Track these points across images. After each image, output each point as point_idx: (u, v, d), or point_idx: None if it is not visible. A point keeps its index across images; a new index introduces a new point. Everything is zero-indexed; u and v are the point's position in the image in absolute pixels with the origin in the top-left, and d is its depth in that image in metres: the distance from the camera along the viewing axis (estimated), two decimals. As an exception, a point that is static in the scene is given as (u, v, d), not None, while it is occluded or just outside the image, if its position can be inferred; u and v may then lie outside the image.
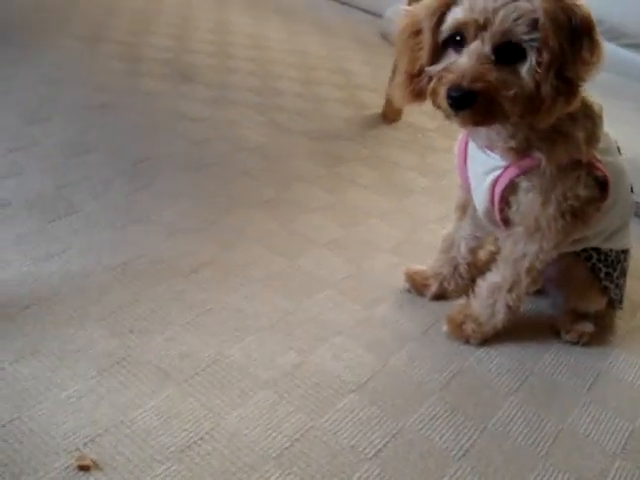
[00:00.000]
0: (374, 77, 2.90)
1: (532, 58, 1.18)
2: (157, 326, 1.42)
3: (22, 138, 1.98)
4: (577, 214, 1.38)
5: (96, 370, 1.30)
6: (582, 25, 1.19)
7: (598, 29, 1.21)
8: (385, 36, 3.41)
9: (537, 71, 1.18)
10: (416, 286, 1.66)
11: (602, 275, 1.56)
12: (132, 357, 1.34)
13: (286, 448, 1.22)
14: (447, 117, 1.26)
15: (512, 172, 1.37)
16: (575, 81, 1.20)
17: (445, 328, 1.55)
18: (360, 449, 1.24)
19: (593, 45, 1.20)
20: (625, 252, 1.59)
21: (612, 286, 1.57)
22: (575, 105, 1.24)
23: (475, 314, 1.54)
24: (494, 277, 1.52)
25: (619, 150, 1.48)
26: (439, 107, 1.25)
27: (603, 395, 1.48)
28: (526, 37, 1.17)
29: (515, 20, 1.17)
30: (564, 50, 1.18)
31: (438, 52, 1.26)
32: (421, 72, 1.28)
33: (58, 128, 2.06)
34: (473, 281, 1.59)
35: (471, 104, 1.19)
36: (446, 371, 1.45)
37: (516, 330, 1.58)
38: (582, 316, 1.63)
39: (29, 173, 1.83)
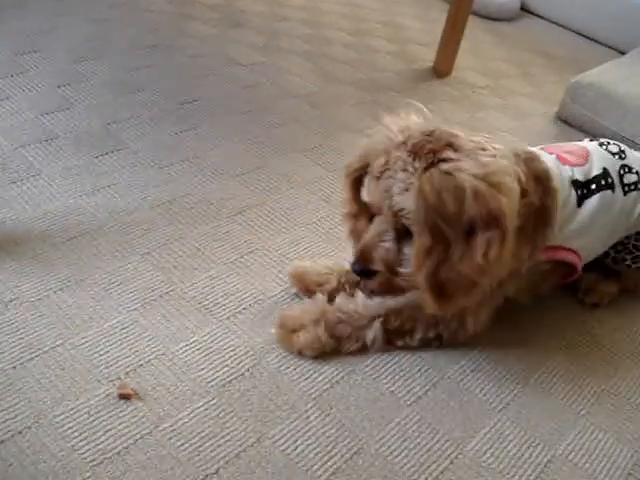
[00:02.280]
0: (426, 32, 2.84)
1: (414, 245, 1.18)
2: (201, 264, 1.42)
3: (71, 75, 1.98)
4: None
5: (140, 303, 1.30)
6: (479, 221, 1.11)
7: (504, 228, 1.11)
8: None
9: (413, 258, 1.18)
10: None
11: (629, 262, 1.53)
12: (175, 292, 1.34)
13: (326, 390, 1.21)
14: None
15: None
16: (464, 276, 1.14)
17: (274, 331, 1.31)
18: (400, 395, 1.24)
19: (488, 244, 1.12)
20: None
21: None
22: (474, 298, 1.22)
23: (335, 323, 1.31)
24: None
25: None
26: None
27: (648, 359, 1.46)
28: (413, 227, 1.18)
29: (400, 210, 1.18)
30: (449, 243, 1.13)
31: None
32: (358, 215, 1.33)
33: (107, 67, 2.06)
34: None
35: (370, 277, 1.26)
36: (492, 325, 1.42)
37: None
38: (607, 275, 1.57)
39: (77, 109, 1.83)
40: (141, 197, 1.56)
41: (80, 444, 1.05)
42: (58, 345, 1.19)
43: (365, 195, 1.29)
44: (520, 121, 2.33)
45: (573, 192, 1.36)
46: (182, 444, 1.08)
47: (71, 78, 1.96)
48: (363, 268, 1.26)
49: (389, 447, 1.14)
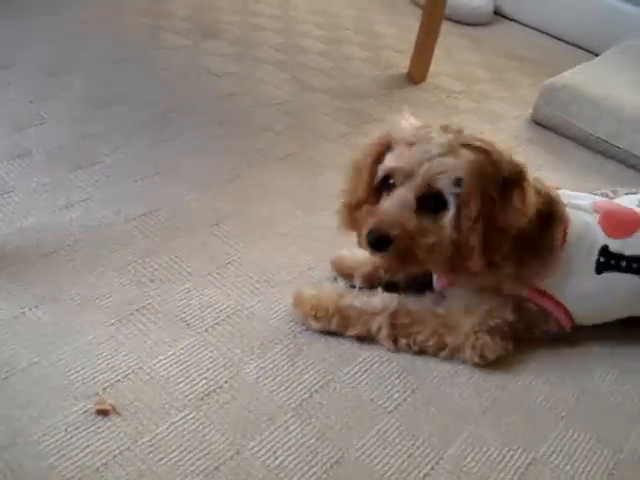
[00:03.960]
0: (400, 38, 2.85)
1: (454, 209, 1.22)
2: (178, 276, 1.41)
3: (43, 90, 1.97)
4: (508, 335, 1.37)
5: (116, 318, 1.29)
6: (511, 177, 1.23)
7: (528, 180, 1.25)
8: (411, -2, 3.36)
9: (462, 222, 1.22)
10: None
11: None
12: (152, 306, 1.33)
13: (305, 399, 1.21)
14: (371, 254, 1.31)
15: (441, 282, 1.41)
16: (507, 229, 1.22)
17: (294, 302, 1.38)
18: (380, 402, 1.24)
19: (523, 194, 1.23)
20: None
21: None
22: (501, 252, 1.25)
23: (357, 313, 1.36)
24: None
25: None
26: (362, 245, 1.29)
27: (626, 360, 1.46)
28: (449, 190, 1.21)
29: (438, 174, 1.21)
30: (493, 202, 1.21)
31: (375, 190, 1.31)
32: (359, 205, 1.31)
33: (80, 81, 2.05)
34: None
35: (386, 248, 1.23)
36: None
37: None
38: None
39: (50, 124, 1.82)
40: (116, 211, 1.56)
41: (58, 462, 1.04)
42: (34, 363, 1.18)
43: (391, 162, 1.26)
44: (495, 124, 2.34)
45: (595, 255, 1.36)
46: (161, 458, 1.07)
47: (44, 93, 1.95)
48: (379, 236, 1.23)
49: (370, 455, 1.14)
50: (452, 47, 2.92)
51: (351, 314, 1.34)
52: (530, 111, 2.44)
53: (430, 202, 1.23)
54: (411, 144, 1.24)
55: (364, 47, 2.72)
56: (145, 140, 1.82)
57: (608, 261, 1.37)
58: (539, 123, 2.41)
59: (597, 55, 2.80)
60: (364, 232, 1.25)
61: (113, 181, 1.65)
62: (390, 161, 1.27)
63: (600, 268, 1.37)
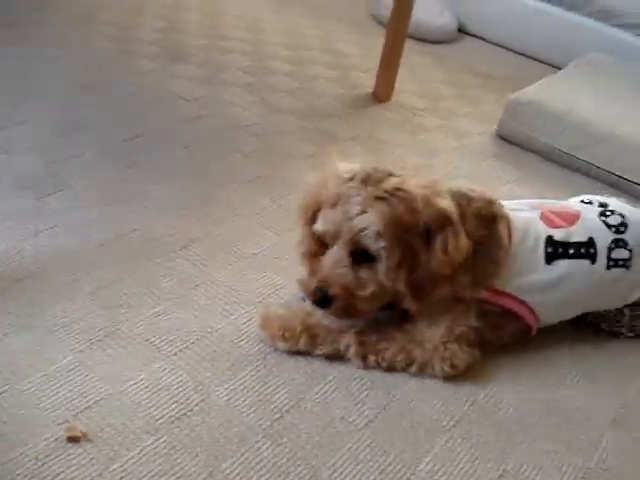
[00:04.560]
0: (365, 57, 2.88)
1: (383, 261, 1.27)
2: (147, 300, 1.42)
3: (9, 117, 1.97)
4: (474, 342, 1.39)
5: (86, 343, 1.29)
6: (433, 224, 1.26)
7: (454, 224, 1.26)
8: (376, 17, 3.39)
9: (387, 272, 1.27)
10: None
11: (604, 327, 1.57)
12: (121, 331, 1.33)
13: (276, 420, 1.22)
14: None
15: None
16: (435, 274, 1.27)
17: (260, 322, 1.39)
18: (351, 420, 1.25)
19: (446, 240, 1.25)
20: (630, 305, 1.54)
21: (624, 330, 1.57)
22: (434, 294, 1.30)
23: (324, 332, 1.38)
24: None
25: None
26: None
27: (594, 368, 1.49)
28: (373, 244, 1.26)
29: (360, 231, 1.26)
30: (415, 250, 1.26)
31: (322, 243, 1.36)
32: (314, 255, 1.38)
33: (47, 107, 2.05)
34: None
35: (329, 306, 1.30)
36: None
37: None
38: None
39: (17, 151, 1.82)
40: (85, 236, 1.56)
41: (29, 491, 1.04)
42: (4, 391, 1.18)
43: (320, 226, 1.32)
44: (460, 141, 2.37)
45: (541, 247, 1.41)
46: (133, 484, 1.07)
47: (10, 120, 1.95)
48: (322, 297, 1.30)
49: (341, 473, 1.15)
50: (416, 65, 2.96)
51: (319, 333, 1.35)
52: (495, 127, 2.48)
53: (363, 254, 1.29)
54: (333, 205, 1.29)
55: (329, 66, 2.75)
56: (113, 165, 1.83)
57: (556, 250, 1.42)
58: (504, 138, 2.45)
59: (560, 69, 2.85)
60: (310, 290, 1.33)
61: (82, 207, 1.65)
62: (319, 224, 1.33)
63: (550, 258, 1.41)
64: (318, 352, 1.35)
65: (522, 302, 1.40)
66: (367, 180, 1.28)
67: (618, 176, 2.24)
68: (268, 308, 1.41)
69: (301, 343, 1.34)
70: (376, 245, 1.26)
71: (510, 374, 1.42)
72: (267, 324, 1.37)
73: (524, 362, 1.46)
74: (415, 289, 1.28)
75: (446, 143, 2.34)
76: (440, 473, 1.19)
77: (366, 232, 1.26)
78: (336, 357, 1.36)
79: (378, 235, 1.25)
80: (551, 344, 1.52)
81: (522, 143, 2.40)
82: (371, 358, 1.35)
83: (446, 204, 1.27)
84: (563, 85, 2.57)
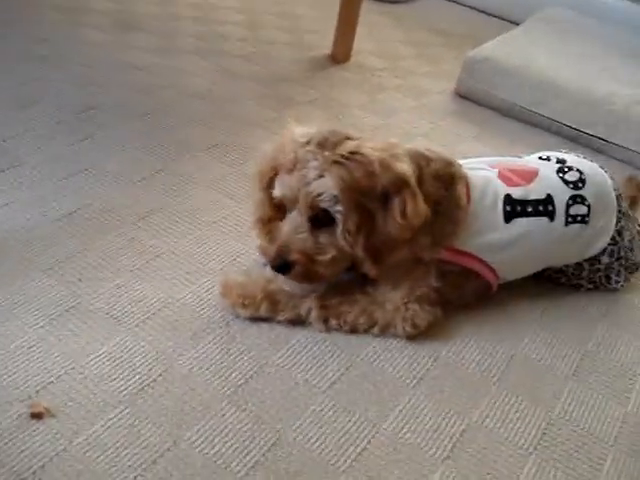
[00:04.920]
0: (321, 20, 2.85)
1: (341, 225, 1.27)
2: (107, 274, 1.41)
3: (-40, 93, 1.93)
4: (435, 301, 1.40)
5: (45, 320, 1.28)
6: (390, 188, 1.25)
7: (412, 187, 1.26)
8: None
9: (347, 237, 1.27)
10: None
11: (563, 280, 1.58)
12: (82, 305, 1.33)
13: (240, 386, 1.22)
14: None
15: None
16: (393, 238, 1.27)
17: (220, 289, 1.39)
18: (314, 382, 1.26)
19: (404, 203, 1.25)
20: (589, 259, 1.55)
21: (583, 282, 1.58)
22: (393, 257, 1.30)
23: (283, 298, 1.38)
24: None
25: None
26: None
27: (554, 321, 1.51)
28: (332, 208, 1.26)
29: (317, 196, 1.26)
30: (372, 214, 1.26)
31: (278, 208, 1.36)
32: (270, 220, 1.40)
33: (-4, 82, 2.01)
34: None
35: (289, 272, 1.30)
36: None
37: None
38: None
39: (-33, 129, 1.79)
40: (41, 212, 1.54)
41: (-6, 469, 1.04)
42: (-36, 372, 1.17)
43: (277, 191, 1.32)
44: (419, 100, 2.37)
45: (500, 206, 1.42)
46: (98, 456, 1.07)
47: (-40, 97, 1.91)
48: (281, 263, 1.30)
49: (306, 435, 1.16)
50: (374, 25, 2.94)
51: (280, 299, 1.36)
52: (454, 85, 2.47)
53: (322, 219, 1.29)
54: (290, 170, 1.28)
55: (285, 30, 2.72)
56: (67, 139, 1.80)
57: (514, 208, 1.43)
58: (463, 96, 2.45)
59: (518, 24, 2.85)
60: (269, 257, 1.33)
61: (36, 182, 1.63)
62: (276, 190, 1.33)
63: (508, 216, 1.43)
64: (280, 318, 1.35)
65: (482, 261, 1.41)
66: (324, 144, 1.27)
67: (578, 130, 2.26)
68: (228, 276, 1.41)
69: (262, 310, 1.34)
70: (334, 209, 1.26)
71: (472, 330, 1.44)
72: (227, 292, 1.36)
73: (485, 318, 1.47)
74: (373, 253, 1.29)
75: (405, 102, 2.33)
76: (405, 430, 1.20)
77: (323, 196, 1.25)
78: (298, 322, 1.36)
79: (336, 199, 1.25)
80: (512, 299, 1.53)
81: (481, 100, 2.41)
82: (333, 321, 1.36)
83: (404, 168, 1.27)
84: (521, 41, 2.57)
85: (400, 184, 1.25)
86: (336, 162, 1.25)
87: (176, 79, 2.20)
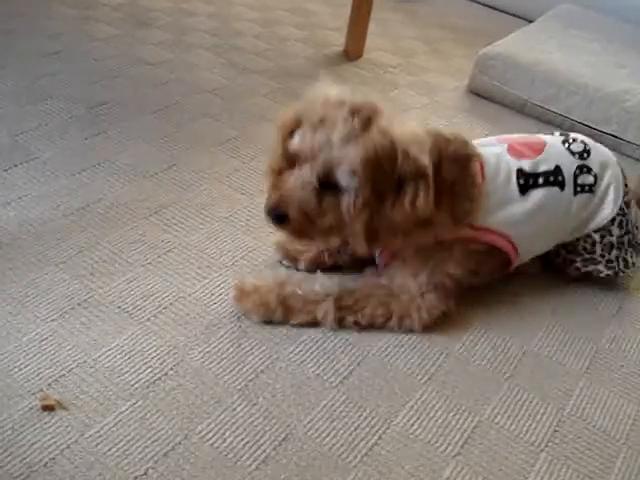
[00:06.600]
0: (334, 16, 2.85)
1: (350, 197, 1.24)
2: (118, 268, 1.41)
3: (-26, 88, 1.94)
4: (451, 289, 1.40)
5: (57, 313, 1.29)
6: (408, 175, 1.24)
7: (428, 180, 1.24)
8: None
9: (351, 208, 1.25)
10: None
11: (579, 265, 1.56)
12: (94, 299, 1.33)
13: (251, 380, 1.22)
14: None
15: (384, 258, 1.44)
16: (395, 225, 1.26)
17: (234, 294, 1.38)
18: (325, 377, 1.26)
19: (416, 193, 1.24)
20: (600, 230, 1.54)
21: (600, 267, 1.56)
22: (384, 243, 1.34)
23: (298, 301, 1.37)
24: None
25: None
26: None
27: (566, 318, 1.50)
28: (345, 179, 1.24)
29: (335, 164, 1.23)
30: (383, 195, 1.24)
31: (290, 159, 1.32)
32: (280, 171, 1.34)
33: (11, 77, 2.01)
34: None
35: (283, 225, 1.28)
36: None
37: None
38: None
39: (-18, 122, 1.80)
40: (53, 206, 1.54)
41: (6, 460, 1.04)
42: (-24, 364, 1.17)
43: (295, 143, 1.29)
44: (432, 97, 2.36)
45: (513, 179, 1.42)
46: (109, 449, 1.07)
47: (-26, 91, 1.92)
48: (278, 213, 1.27)
49: (317, 430, 1.16)
50: (387, 22, 2.93)
51: (294, 304, 1.35)
52: (467, 82, 2.47)
53: (331, 183, 1.26)
54: (315, 126, 1.25)
55: (299, 26, 2.72)
56: (80, 133, 1.81)
57: (527, 181, 1.44)
58: (476, 93, 2.44)
59: (532, 22, 2.84)
60: (267, 203, 1.30)
61: (50, 176, 1.63)
62: (295, 142, 1.29)
63: (523, 189, 1.43)
64: (294, 322, 1.35)
65: (503, 235, 1.42)
66: (356, 112, 1.23)
67: (591, 127, 2.24)
68: (242, 280, 1.39)
69: (277, 316, 1.34)
70: (349, 180, 1.24)
71: (483, 326, 1.43)
72: (242, 298, 1.35)
73: (497, 314, 1.47)
74: (370, 233, 1.27)
75: (418, 99, 2.33)
76: (415, 426, 1.20)
77: (342, 166, 1.23)
78: (313, 325, 1.36)
79: (353, 171, 1.23)
80: (524, 294, 1.53)
81: (494, 97, 2.40)
82: (350, 319, 1.35)
83: (425, 160, 1.25)
84: (535, 37, 2.56)
85: (418, 175, 1.24)
86: (364, 135, 1.22)
87: (189, 74, 2.20)
